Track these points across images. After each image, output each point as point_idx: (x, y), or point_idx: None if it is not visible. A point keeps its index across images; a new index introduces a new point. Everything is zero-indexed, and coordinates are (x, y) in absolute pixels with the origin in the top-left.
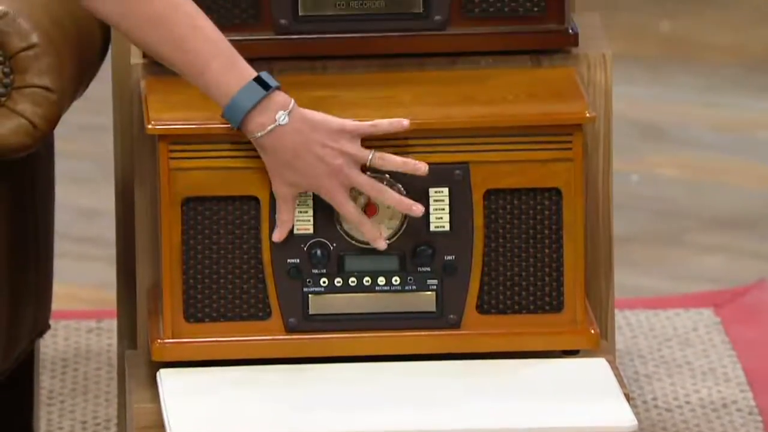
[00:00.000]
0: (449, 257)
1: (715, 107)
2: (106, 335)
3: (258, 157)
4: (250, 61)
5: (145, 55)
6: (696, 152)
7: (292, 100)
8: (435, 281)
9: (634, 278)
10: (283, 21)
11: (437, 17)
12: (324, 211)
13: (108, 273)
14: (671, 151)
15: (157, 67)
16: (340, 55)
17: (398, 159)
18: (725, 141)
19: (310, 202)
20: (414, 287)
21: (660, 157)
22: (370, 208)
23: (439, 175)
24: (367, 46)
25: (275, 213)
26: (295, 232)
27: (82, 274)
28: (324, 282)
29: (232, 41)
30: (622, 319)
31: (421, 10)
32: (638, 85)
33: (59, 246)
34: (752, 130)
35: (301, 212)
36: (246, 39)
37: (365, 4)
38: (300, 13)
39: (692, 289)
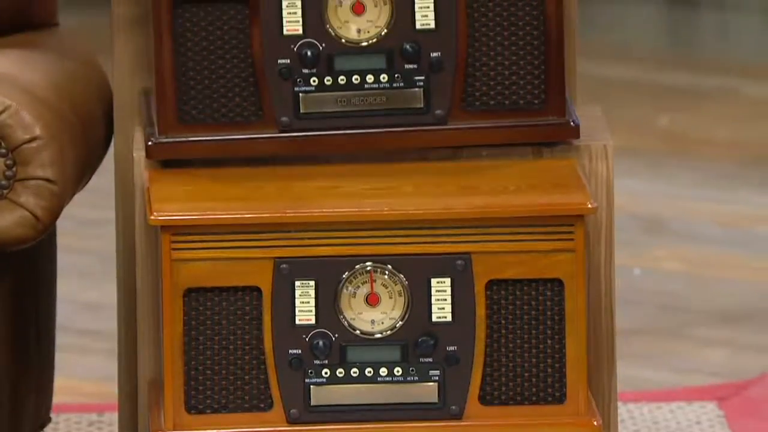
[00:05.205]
0: (451, 348)
1: (715, 201)
2: (108, 428)
3: (260, 247)
4: (253, 160)
5: (147, 149)
6: (697, 246)
7: None
8: (437, 372)
9: (637, 371)
10: (284, 119)
11: (438, 111)
12: (326, 302)
13: (110, 366)
14: (672, 245)
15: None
16: (343, 152)
17: None
18: (725, 235)
19: (312, 292)
20: (416, 378)
21: (661, 251)
22: (372, 297)
23: (441, 265)
24: (369, 142)
25: (277, 304)
26: (297, 322)
27: (83, 367)
28: (326, 373)
29: (234, 140)
30: (625, 411)
31: (422, 105)
32: (639, 179)
33: (61, 339)
34: (752, 224)
35: (303, 302)
36: (248, 137)
37: (366, 100)
38: (302, 111)
39: (695, 382)
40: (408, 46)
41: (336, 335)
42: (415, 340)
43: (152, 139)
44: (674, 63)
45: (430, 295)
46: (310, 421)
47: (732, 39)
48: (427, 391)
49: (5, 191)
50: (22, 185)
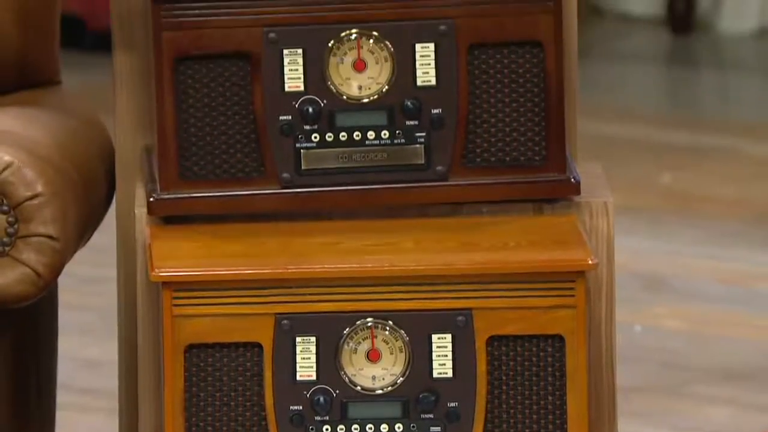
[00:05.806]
0: (452, 404)
1: (717, 260)
2: None
3: (261, 303)
4: (255, 216)
5: (149, 205)
6: (698, 304)
7: None
8: (438, 428)
9: (638, 429)
10: (286, 175)
11: (439, 168)
12: (327, 358)
13: (111, 424)
14: (673, 303)
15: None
16: (344, 208)
17: None
18: (727, 293)
19: (313, 348)
20: None
21: (662, 309)
22: (373, 353)
23: (441, 321)
24: (370, 198)
25: (278, 360)
26: (298, 378)
27: (84, 426)
28: (327, 429)
29: (235, 196)
30: None
31: (423, 161)
32: (640, 236)
33: (61, 397)
34: (753, 282)
35: (303, 358)
36: (250, 193)
37: (368, 156)
38: (303, 167)
39: None
40: (409, 103)
41: (337, 391)
42: (416, 396)
43: (154, 195)
44: (675, 122)
45: (431, 351)
46: None
47: (732, 98)
48: None
49: (7, 248)
50: (23, 242)
